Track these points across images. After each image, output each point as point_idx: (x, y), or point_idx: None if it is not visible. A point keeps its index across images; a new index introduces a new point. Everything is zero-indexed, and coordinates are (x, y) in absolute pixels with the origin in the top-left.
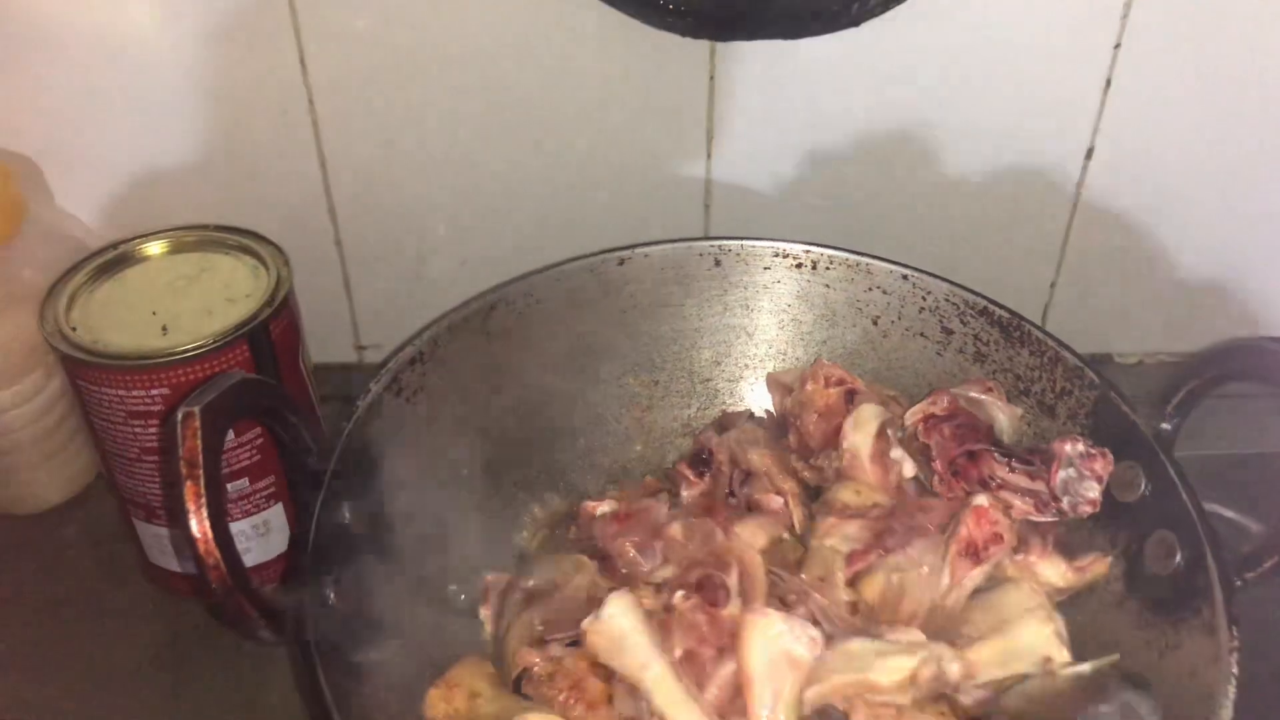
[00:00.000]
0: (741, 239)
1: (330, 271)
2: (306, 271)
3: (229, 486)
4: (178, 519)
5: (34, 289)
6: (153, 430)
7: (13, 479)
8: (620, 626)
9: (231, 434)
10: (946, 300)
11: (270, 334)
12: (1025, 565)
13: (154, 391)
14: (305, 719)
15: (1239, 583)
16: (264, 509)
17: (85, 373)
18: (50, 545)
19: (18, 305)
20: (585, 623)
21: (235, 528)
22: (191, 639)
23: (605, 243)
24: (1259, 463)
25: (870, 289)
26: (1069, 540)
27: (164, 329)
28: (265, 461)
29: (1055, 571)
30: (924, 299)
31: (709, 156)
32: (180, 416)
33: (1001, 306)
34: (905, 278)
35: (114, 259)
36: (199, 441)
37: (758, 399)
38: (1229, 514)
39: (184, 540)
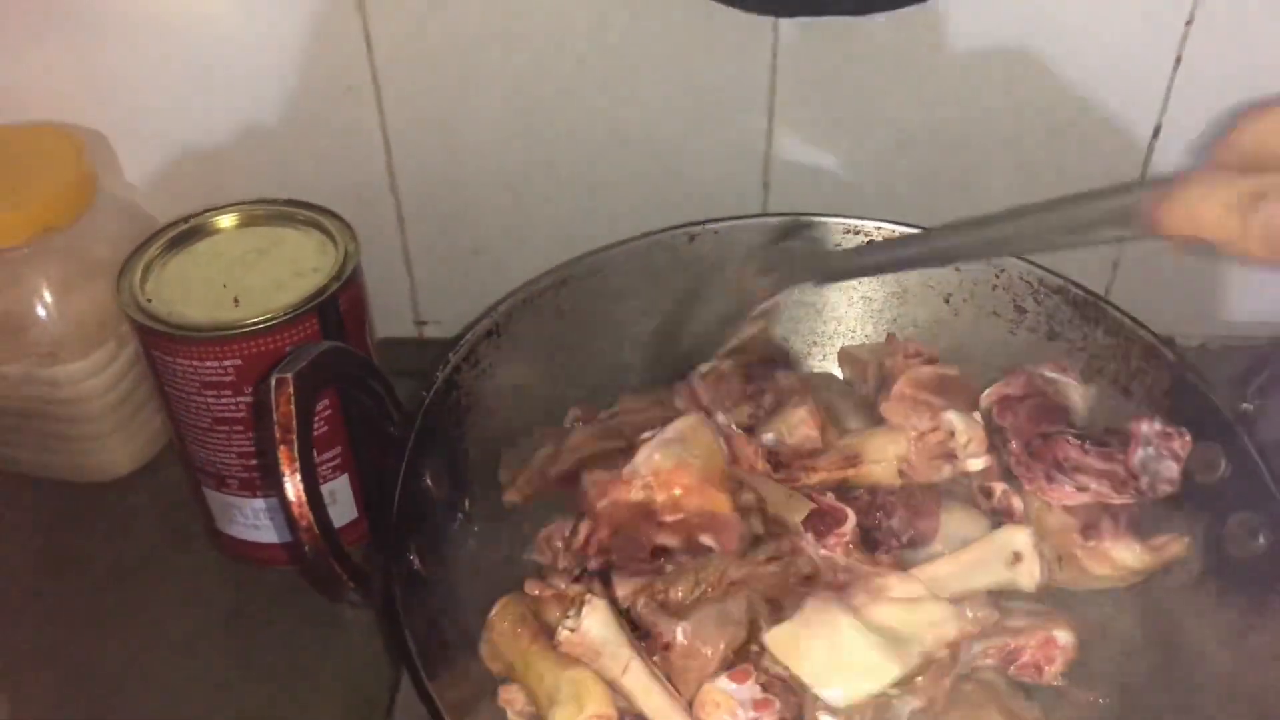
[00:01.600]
0: (812, 215)
1: (392, 247)
2: (368, 247)
3: None
4: (273, 482)
5: (105, 263)
6: (225, 400)
7: (86, 447)
8: (597, 637)
9: None
10: (1020, 278)
11: (339, 307)
12: (1097, 550)
13: (226, 363)
14: (367, 685)
15: None
16: (331, 480)
17: (160, 343)
18: (120, 512)
19: (90, 278)
20: (561, 635)
21: None
22: (258, 606)
23: (664, 221)
24: None
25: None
26: (1144, 522)
27: (235, 301)
28: (332, 433)
29: (1130, 553)
30: (997, 277)
31: (770, 135)
32: (274, 382)
33: (1077, 285)
34: None
35: (186, 232)
36: (293, 407)
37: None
38: None
39: (279, 503)
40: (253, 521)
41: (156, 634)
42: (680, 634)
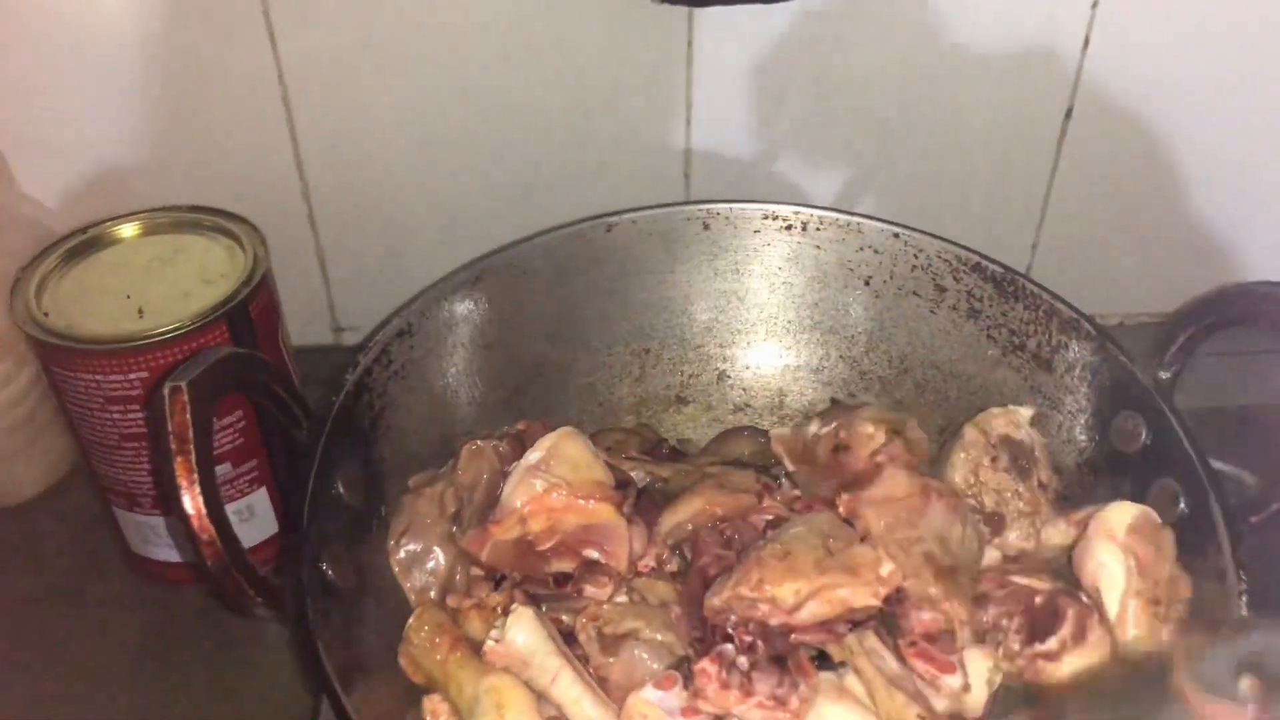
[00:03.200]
0: (730, 202)
1: (305, 252)
2: (281, 253)
3: None
4: (169, 497)
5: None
6: (132, 416)
7: None
8: (523, 646)
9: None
10: (939, 257)
11: (250, 314)
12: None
13: (132, 375)
14: (293, 705)
15: (1244, 528)
16: (248, 494)
17: (60, 358)
18: (28, 538)
19: None
20: (487, 646)
21: None
22: (177, 628)
23: (582, 214)
24: (1255, 415)
25: (861, 249)
26: (1068, 495)
27: (140, 312)
28: (248, 445)
29: (1056, 532)
30: (916, 257)
31: (689, 124)
32: (167, 391)
33: (995, 262)
34: (896, 236)
35: (84, 242)
36: (188, 416)
37: (750, 361)
38: (1227, 468)
39: (177, 518)
40: (168, 541)
41: (70, 664)
42: (616, 670)
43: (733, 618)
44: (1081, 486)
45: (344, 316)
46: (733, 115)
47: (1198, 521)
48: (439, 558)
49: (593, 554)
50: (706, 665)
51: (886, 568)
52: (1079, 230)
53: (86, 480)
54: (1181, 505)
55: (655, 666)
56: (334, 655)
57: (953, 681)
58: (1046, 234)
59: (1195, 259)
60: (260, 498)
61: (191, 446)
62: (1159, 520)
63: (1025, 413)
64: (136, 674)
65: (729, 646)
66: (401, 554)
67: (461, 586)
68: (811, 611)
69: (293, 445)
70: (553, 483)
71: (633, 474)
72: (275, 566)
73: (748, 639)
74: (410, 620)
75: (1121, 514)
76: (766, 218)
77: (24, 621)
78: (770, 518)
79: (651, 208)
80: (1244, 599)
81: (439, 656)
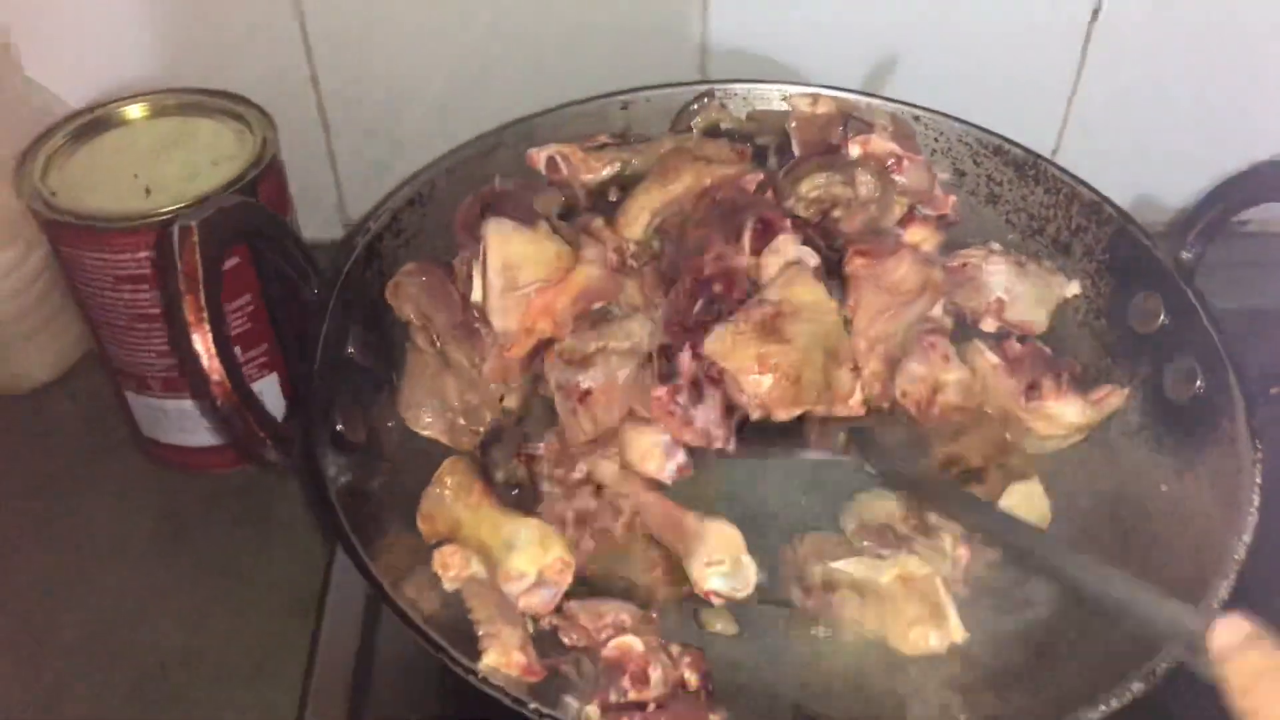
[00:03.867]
0: (748, 82)
1: (314, 143)
2: (290, 144)
3: None
4: (178, 338)
5: (6, 162)
6: (141, 295)
7: (0, 356)
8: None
9: None
10: (959, 140)
11: (259, 196)
12: (1040, 410)
13: (140, 254)
14: (302, 585)
15: (1262, 399)
16: (257, 379)
17: (68, 237)
18: (42, 424)
19: None
20: None
21: None
22: (188, 511)
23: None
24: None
25: None
26: (1084, 376)
27: (147, 191)
28: (257, 330)
29: (1073, 409)
30: (936, 140)
31: (705, 10)
32: (177, 231)
33: (1016, 144)
34: (917, 119)
35: (91, 123)
36: (198, 257)
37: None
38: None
39: (186, 359)
40: (179, 425)
41: (84, 542)
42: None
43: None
44: (1099, 368)
45: (354, 208)
46: (751, 2)
47: (1214, 397)
48: (445, 394)
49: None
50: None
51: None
52: (1103, 129)
53: (98, 366)
54: (1199, 383)
55: (626, 372)
56: (343, 502)
57: None
58: (1069, 134)
59: (1220, 156)
60: (270, 383)
61: (200, 286)
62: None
63: None
64: (149, 554)
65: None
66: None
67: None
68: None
69: (303, 303)
70: (529, 287)
71: (602, 169)
72: (285, 416)
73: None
74: (442, 467)
75: None
76: (784, 99)
77: (40, 503)
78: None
79: (666, 85)
80: (1258, 467)
81: (471, 500)
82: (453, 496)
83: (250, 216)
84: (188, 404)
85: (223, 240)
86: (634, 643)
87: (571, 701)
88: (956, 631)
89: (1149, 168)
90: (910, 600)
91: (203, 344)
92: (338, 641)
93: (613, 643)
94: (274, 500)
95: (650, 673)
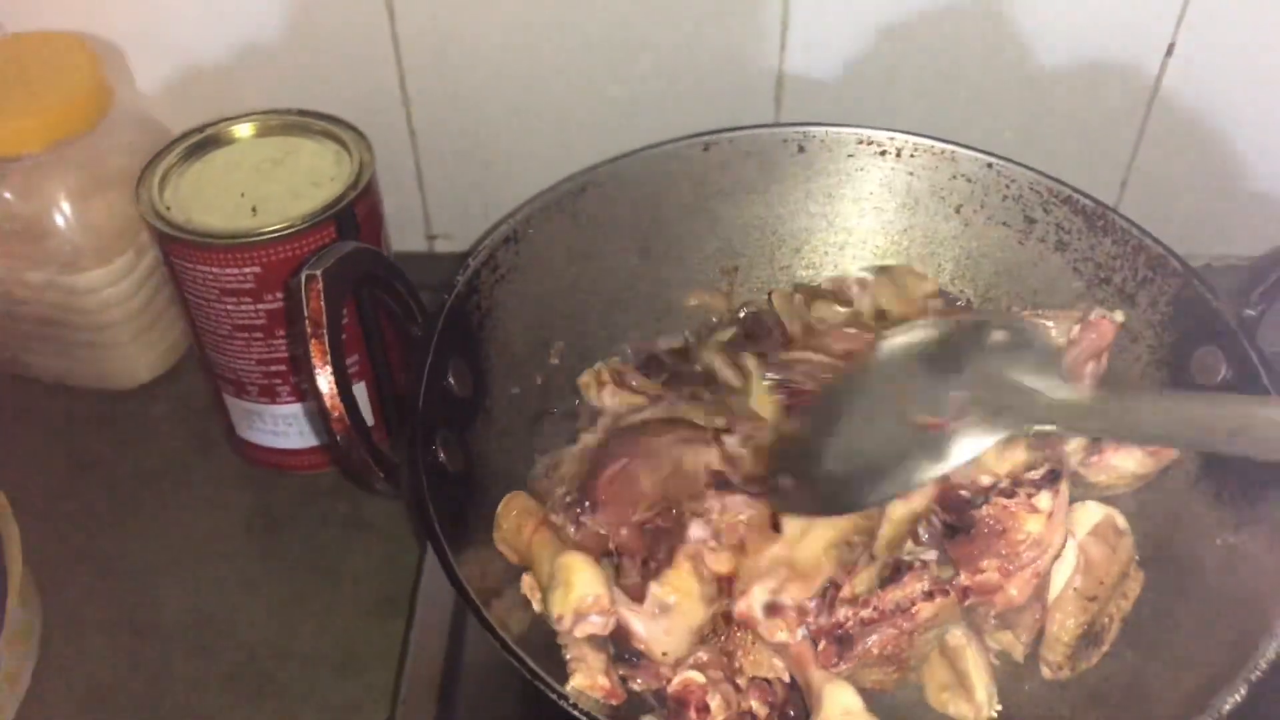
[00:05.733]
0: (827, 125)
1: (403, 160)
2: (380, 160)
3: None
4: (305, 378)
5: (120, 172)
6: (244, 307)
7: (106, 355)
8: None
9: None
10: (1030, 189)
11: (356, 217)
12: (1100, 464)
13: (246, 270)
14: (387, 585)
15: None
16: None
17: (180, 250)
18: (142, 419)
19: (106, 187)
20: None
21: None
22: (279, 509)
23: (674, 133)
24: None
25: (954, 177)
26: None
27: (253, 210)
28: (350, 341)
29: (1131, 460)
30: (1008, 187)
31: (783, 47)
32: (304, 279)
33: (1086, 195)
34: (990, 166)
35: (202, 141)
36: (323, 303)
37: None
38: None
39: (311, 397)
40: (272, 428)
41: (181, 535)
42: None
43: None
44: None
45: (437, 224)
46: (828, 37)
47: None
48: None
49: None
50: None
51: None
52: (1170, 169)
53: (197, 367)
54: None
55: None
56: (443, 528)
57: None
58: (1136, 172)
59: None
60: (360, 391)
61: (325, 331)
62: (1121, 525)
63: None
64: (243, 549)
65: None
66: None
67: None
68: None
69: (409, 338)
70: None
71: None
72: (391, 446)
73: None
74: (501, 503)
75: (1087, 515)
76: (861, 142)
77: (141, 496)
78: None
79: (749, 128)
80: None
81: (525, 535)
82: (510, 534)
83: (367, 261)
84: (281, 408)
85: (343, 286)
86: (695, 676)
87: None
88: (986, 707)
89: (1216, 217)
90: (943, 665)
91: (327, 384)
92: (427, 641)
93: (677, 679)
94: (362, 501)
95: (709, 701)
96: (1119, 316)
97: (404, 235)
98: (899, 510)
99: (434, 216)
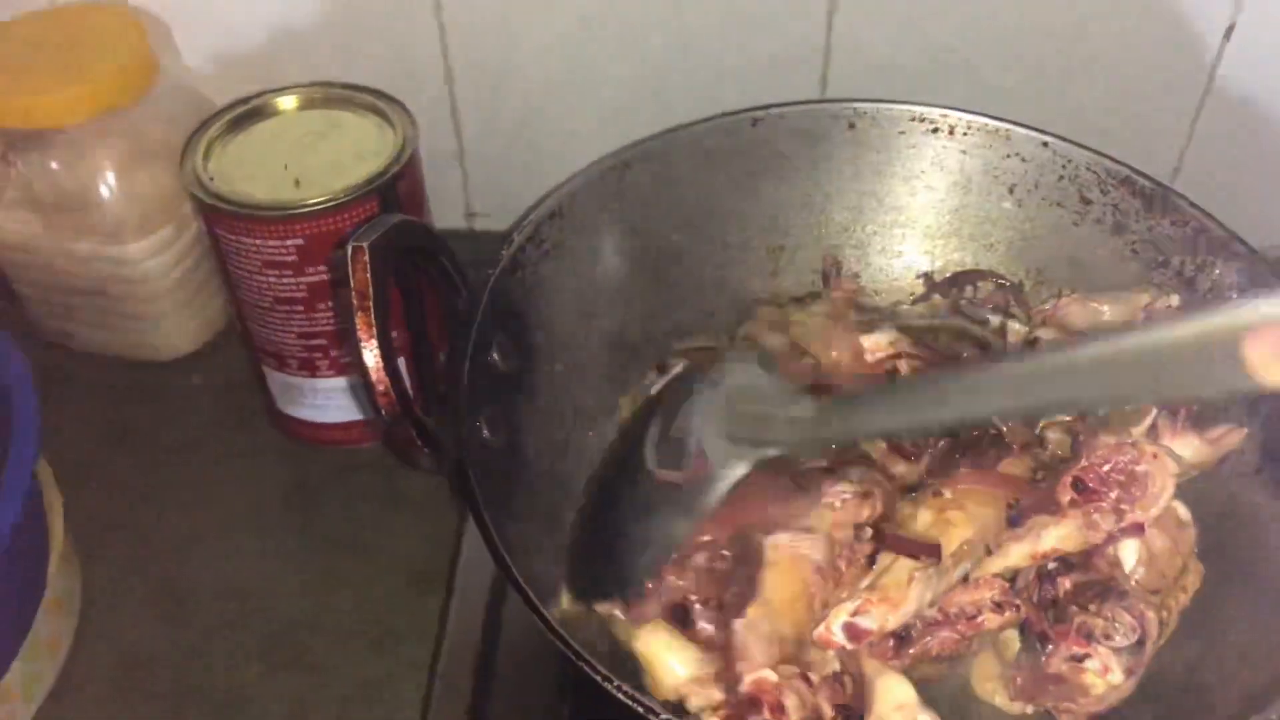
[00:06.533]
0: (877, 102)
1: (444, 136)
2: (421, 135)
3: None
4: (351, 351)
5: (164, 144)
6: (286, 280)
7: (147, 326)
8: None
9: None
10: (1087, 169)
11: (398, 191)
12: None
13: (289, 242)
14: (424, 560)
15: None
16: None
17: (223, 222)
18: (181, 390)
19: (150, 160)
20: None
21: None
22: (317, 483)
23: (716, 110)
24: None
25: (1008, 156)
26: (1202, 413)
27: (296, 182)
28: (393, 316)
29: (1187, 447)
30: (1063, 167)
31: (830, 20)
32: (350, 251)
33: (1145, 176)
34: (1045, 145)
35: (246, 113)
36: (369, 275)
37: (884, 265)
38: None
39: (356, 370)
40: (313, 402)
41: (219, 507)
42: None
43: None
44: (1217, 405)
45: (477, 201)
46: (876, 14)
47: None
48: None
49: None
50: None
51: None
52: (1226, 155)
53: (238, 340)
54: None
55: None
56: (488, 505)
57: None
58: (1190, 157)
59: None
60: (400, 364)
61: (371, 304)
62: (1184, 517)
63: None
64: (281, 522)
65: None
66: None
67: None
68: None
69: (453, 313)
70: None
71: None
72: (435, 421)
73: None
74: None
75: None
76: (913, 119)
77: (179, 465)
78: None
79: (798, 103)
80: None
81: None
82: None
83: (413, 233)
84: (321, 382)
85: (389, 258)
86: (768, 675)
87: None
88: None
89: (1272, 202)
90: (990, 656)
91: (373, 358)
92: (466, 616)
93: (748, 678)
94: (400, 476)
95: (785, 701)
96: (1174, 300)
97: (444, 212)
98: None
99: (474, 194)
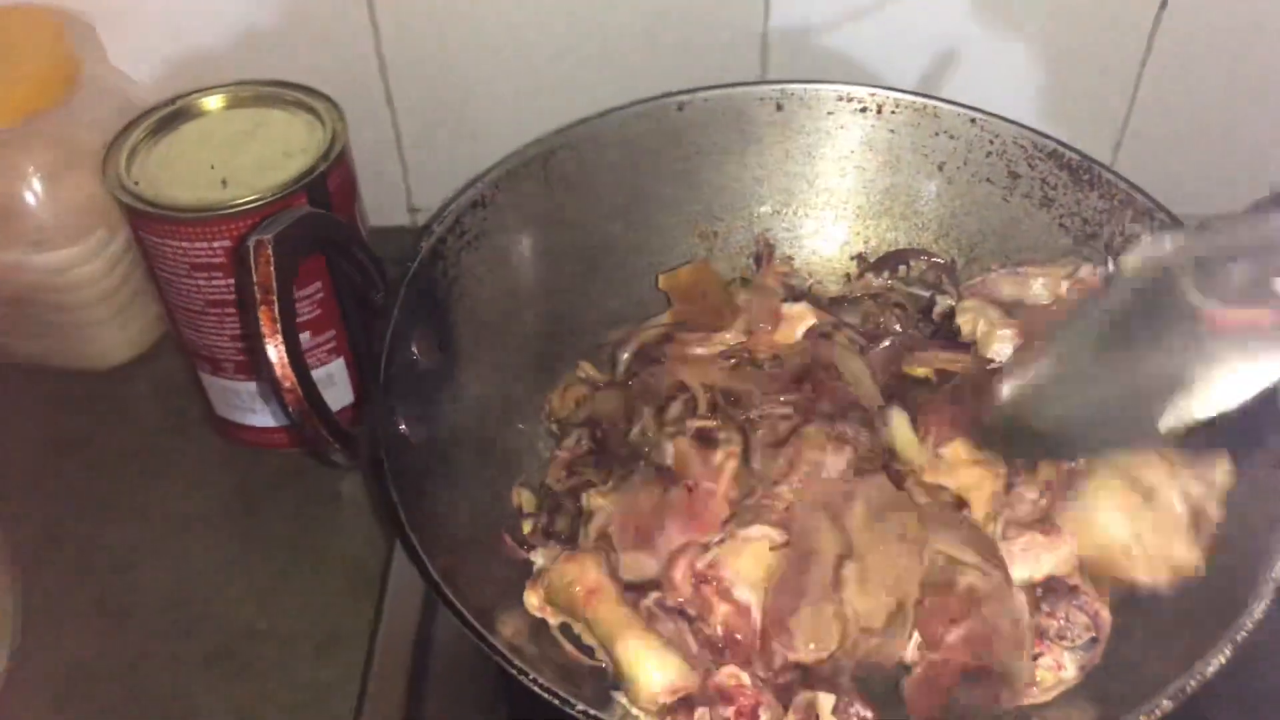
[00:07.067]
0: (805, 82)
1: (382, 132)
2: (358, 132)
3: None
4: (255, 346)
5: (92, 149)
6: (216, 283)
7: (82, 335)
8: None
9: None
10: (1014, 143)
11: (328, 188)
12: None
13: (216, 244)
14: (367, 563)
15: None
16: (326, 363)
17: (149, 225)
18: (120, 399)
19: (78, 164)
20: None
21: None
22: (259, 488)
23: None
24: None
25: (937, 133)
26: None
27: (223, 182)
28: (326, 316)
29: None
30: (991, 143)
31: (767, 13)
32: (252, 245)
33: (1071, 149)
34: (973, 121)
35: (171, 114)
36: (272, 269)
37: (817, 247)
38: None
39: (261, 366)
40: (250, 405)
41: (161, 515)
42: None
43: None
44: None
45: (419, 198)
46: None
47: (1262, 412)
48: None
49: None
50: None
51: None
52: (1165, 127)
53: (175, 347)
54: None
55: None
56: (406, 502)
57: None
58: (1131, 130)
59: None
60: (338, 367)
61: (275, 298)
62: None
63: None
64: (222, 529)
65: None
66: None
67: None
68: None
69: (370, 307)
70: None
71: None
72: (352, 420)
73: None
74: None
75: None
76: (841, 99)
77: (119, 477)
78: None
79: (724, 86)
80: None
81: (579, 602)
82: (564, 591)
83: (320, 226)
84: (257, 386)
85: (295, 252)
86: (746, 679)
87: (619, 699)
88: None
89: (1213, 170)
90: None
91: (276, 354)
92: (399, 621)
93: (726, 670)
94: (341, 480)
95: (760, 714)
96: (1099, 271)
97: (387, 210)
98: None
99: (415, 189)
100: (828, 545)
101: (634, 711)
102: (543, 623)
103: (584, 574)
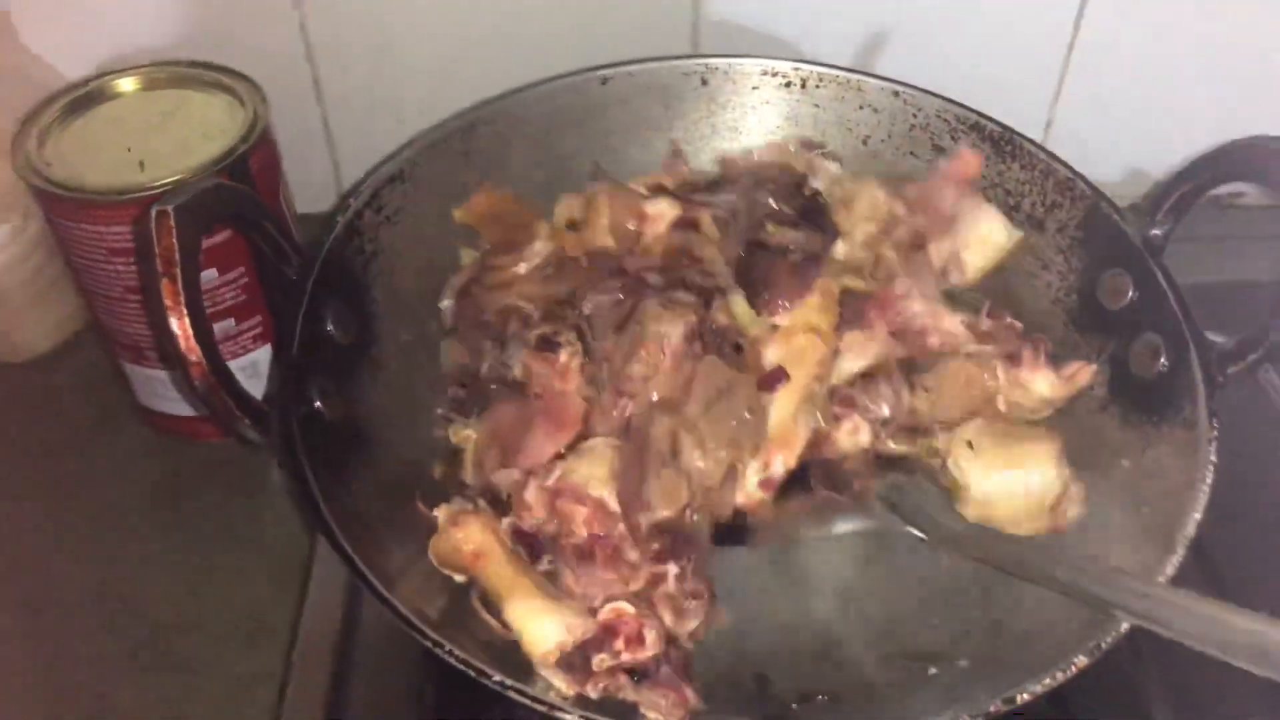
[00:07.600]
0: (729, 56)
1: (310, 117)
2: (286, 118)
3: (215, 327)
4: (156, 319)
5: (2, 134)
6: (134, 268)
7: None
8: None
9: (215, 272)
10: (938, 116)
11: (250, 169)
12: (1016, 379)
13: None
14: (294, 552)
15: (1221, 379)
16: (251, 350)
17: (62, 209)
18: (42, 392)
19: None
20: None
21: None
22: (186, 478)
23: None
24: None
25: (861, 107)
26: (1057, 354)
27: (141, 164)
28: (251, 302)
29: (1045, 383)
30: (915, 116)
31: None
32: (154, 215)
33: (993, 120)
34: (896, 94)
35: (85, 96)
36: (175, 240)
37: None
38: (1217, 339)
39: (165, 341)
40: (175, 395)
41: (85, 508)
42: None
43: None
44: (1068, 344)
45: (350, 182)
46: None
47: (1176, 376)
48: None
49: None
50: None
51: None
52: (1095, 104)
53: (97, 338)
54: (1162, 360)
55: None
56: (320, 478)
57: None
58: (1061, 108)
59: (1215, 129)
60: (264, 354)
61: (178, 270)
62: None
63: None
64: (147, 520)
65: None
66: None
67: None
68: None
69: (284, 281)
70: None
71: None
72: (264, 394)
73: None
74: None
75: None
76: (766, 73)
77: (42, 469)
78: None
79: (648, 60)
80: (1213, 445)
81: (467, 564)
82: (453, 551)
83: (228, 198)
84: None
85: (200, 224)
86: (626, 607)
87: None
88: None
89: (1142, 141)
90: None
91: (179, 327)
92: (323, 607)
93: (608, 606)
94: (268, 468)
95: (645, 634)
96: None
97: (318, 195)
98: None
99: (346, 174)
100: (660, 427)
101: (555, 683)
102: (464, 593)
103: (469, 535)
